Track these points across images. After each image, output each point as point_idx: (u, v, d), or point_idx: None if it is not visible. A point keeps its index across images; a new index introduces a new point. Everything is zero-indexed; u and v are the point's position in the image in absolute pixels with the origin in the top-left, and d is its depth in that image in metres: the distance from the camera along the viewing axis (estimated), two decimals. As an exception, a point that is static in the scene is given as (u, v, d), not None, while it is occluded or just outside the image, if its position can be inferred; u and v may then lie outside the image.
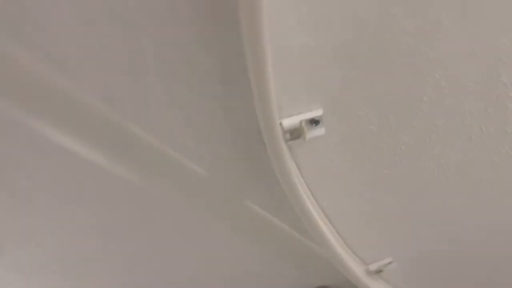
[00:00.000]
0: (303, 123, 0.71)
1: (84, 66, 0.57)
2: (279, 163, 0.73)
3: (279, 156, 0.73)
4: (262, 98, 0.62)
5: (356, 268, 1.14)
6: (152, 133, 0.70)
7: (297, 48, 0.61)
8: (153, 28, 0.55)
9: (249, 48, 0.56)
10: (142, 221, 0.84)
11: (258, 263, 1.09)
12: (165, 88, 0.63)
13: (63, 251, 0.87)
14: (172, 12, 0.54)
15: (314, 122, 0.73)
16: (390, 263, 1.17)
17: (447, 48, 0.63)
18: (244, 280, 1.16)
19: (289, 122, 0.71)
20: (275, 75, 0.61)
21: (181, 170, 0.78)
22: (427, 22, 0.60)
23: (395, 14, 0.58)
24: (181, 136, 0.73)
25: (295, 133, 0.73)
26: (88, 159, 0.69)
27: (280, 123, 0.71)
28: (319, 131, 0.75)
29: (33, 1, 0.49)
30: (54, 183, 0.72)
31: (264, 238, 0.98)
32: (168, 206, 0.83)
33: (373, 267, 1.16)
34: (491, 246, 1.10)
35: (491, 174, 0.85)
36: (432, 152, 0.78)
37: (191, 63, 0.60)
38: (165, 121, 0.68)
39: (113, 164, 0.73)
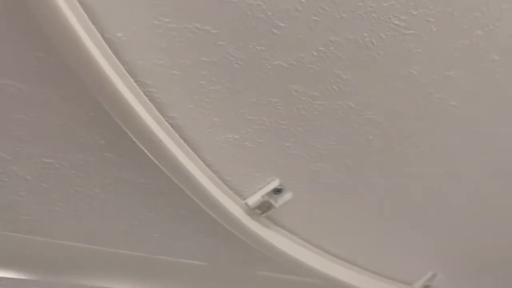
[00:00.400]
0: (266, 197, 0.72)
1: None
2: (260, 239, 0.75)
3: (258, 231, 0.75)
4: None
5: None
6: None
7: (222, 143, 0.63)
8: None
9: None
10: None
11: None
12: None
13: None
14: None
15: (277, 191, 0.74)
16: (434, 275, 1.13)
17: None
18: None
19: (253, 200, 0.73)
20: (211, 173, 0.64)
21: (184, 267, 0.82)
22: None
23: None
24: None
25: (264, 207, 0.74)
26: None
27: (246, 203, 0.73)
28: (287, 196, 0.76)
29: None
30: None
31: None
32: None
33: (418, 285, 1.12)
34: None
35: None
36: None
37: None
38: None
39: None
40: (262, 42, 0.54)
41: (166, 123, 0.58)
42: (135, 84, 0.53)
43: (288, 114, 0.63)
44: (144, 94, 0.55)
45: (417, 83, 0.64)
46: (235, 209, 0.72)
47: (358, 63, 0.60)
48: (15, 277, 0.69)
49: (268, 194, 0.73)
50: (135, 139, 0.55)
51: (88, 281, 0.76)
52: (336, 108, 0.65)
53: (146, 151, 0.57)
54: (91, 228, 0.69)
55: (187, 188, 0.64)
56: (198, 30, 0.51)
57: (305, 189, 0.77)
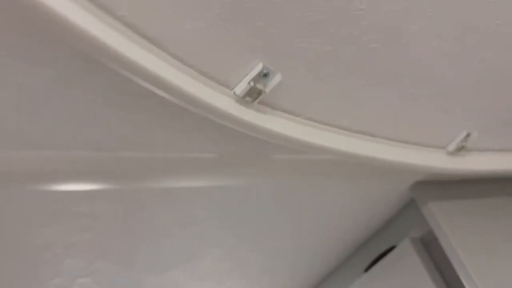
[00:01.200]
0: (253, 83, 0.70)
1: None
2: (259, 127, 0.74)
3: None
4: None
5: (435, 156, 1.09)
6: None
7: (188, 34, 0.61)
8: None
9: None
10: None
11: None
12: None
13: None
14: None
15: (264, 74, 0.72)
16: (468, 135, 1.09)
17: None
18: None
19: (240, 88, 0.71)
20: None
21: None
22: None
23: None
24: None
25: (254, 94, 0.73)
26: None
27: (234, 93, 0.72)
28: (276, 78, 0.73)
29: None
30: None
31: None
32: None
33: (452, 146, 1.09)
34: None
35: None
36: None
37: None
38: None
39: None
40: None
41: (119, 22, 0.56)
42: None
43: (249, -12, 0.58)
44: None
45: None
46: (223, 102, 0.71)
47: None
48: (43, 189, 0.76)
49: (255, 79, 0.71)
50: (86, 49, 0.55)
51: (105, 186, 0.82)
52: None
53: (101, 58, 0.56)
54: (91, 136, 0.72)
55: (163, 91, 0.64)
56: None
57: (295, 68, 0.73)
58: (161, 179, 0.88)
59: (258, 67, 0.70)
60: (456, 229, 1.13)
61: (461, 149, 1.09)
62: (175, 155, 0.81)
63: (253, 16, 0.62)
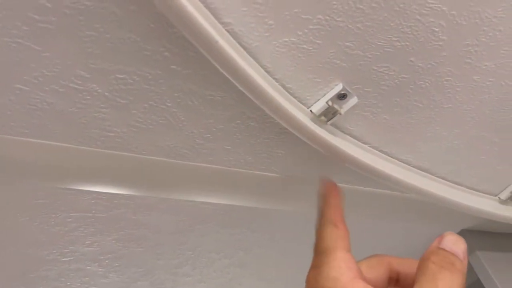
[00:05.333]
0: (330, 102, 0.73)
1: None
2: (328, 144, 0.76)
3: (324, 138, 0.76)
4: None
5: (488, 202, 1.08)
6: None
7: (280, 48, 0.64)
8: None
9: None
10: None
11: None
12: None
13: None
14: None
15: (341, 96, 0.74)
16: (521, 185, 1.08)
17: None
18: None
19: (317, 107, 0.74)
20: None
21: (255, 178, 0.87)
22: None
23: None
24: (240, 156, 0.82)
25: (330, 114, 0.75)
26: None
27: (311, 111, 0.74)
28: (352, 101, 0.75)
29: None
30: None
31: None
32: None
33: (505, 195, 1.08)
34: None
35: None
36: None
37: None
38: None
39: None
40: None
41: (223, 29, 0.60)
42: (188, -10, 0.55)
43: (344, 9, 0.62)
44: (199, 0, 0.57)
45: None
46: (301, 117, 0.73)
47: None
48: (104, 191, 0.78)
49: (332, 99, 0.74)
50: (197, 46, 0.58)
51: (167, 194, 0.83)
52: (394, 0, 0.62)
53: (208, 58, 0.60)
54: (168, 142, 0.74)
55: (252, 96, 0.67)
56: None
57: (371, 93, 0.76)
58: (228, 196, 0.89)
59: (338, 88, 0.72)
60: (504, 280, 1.10)
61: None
62: (243, 171, 0.82)
63: (342, 36, 0.65)
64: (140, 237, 0.93)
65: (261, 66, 0.67)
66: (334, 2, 0.61)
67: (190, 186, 0.85)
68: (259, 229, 1.02)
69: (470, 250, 1.15)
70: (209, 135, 0.75)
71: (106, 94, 0.65)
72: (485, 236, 1.18)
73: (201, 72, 0.66)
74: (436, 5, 0.64)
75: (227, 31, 0.61)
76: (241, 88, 0.63)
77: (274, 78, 0.69)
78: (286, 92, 0.71)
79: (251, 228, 1.01)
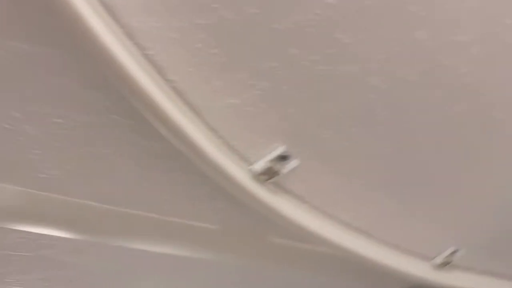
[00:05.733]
0: (271, 163, 0.73)
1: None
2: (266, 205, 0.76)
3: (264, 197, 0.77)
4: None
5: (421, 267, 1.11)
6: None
7: (224, 108, 0.65)
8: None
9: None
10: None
11: None
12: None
13: None
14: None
15: (283, 157, 0.75)
16: (455, 251, 1.11)
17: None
18: None
19: (258, 166, 0.74)
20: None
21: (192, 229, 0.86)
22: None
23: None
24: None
25: (270, 173, 0.75)
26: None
27: (251, 169, 0.74)
28: (293, 162, 0.76)
29: None
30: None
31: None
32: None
33: (438, 260, 1.11)
34: None
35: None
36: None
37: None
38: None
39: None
40: (256, 4, 0.55)
41: (167, 86, 0.60)
42: (133, 46, 0.55)
43: (289, 78, 0.64)
44: (143, 56, 0.57)
45: (423, 48, 0.62)
46: (240, 175, 0.74)
47: (358, 26, 0.59)
48: (32, 231, 0.74)
49: (274, 160, 0.74)
50: (133, 102, 0.58)
51: (102, 239, 0.80)
52: (337, 74, 0.64)
53: (146, 115, 0.59)
54: (104, 188, 0.73)
55: (190, 153, 0.67)
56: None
57: (313, 156, 0.77)
58: (162, 244, 0.87)
59: (280, 150, 0.73)
60: None
61: (446, 264, 1.11)
62: (180, 222, 0.81)
63: (286, 103, 0.66)
64: (68, 278, 0.89)
65: (205, 124, 0.67)
66: (280, 71, 0.62)
67: (124, 232, 0.82)
68: (195, 279, 1.00)
69: (404, 311, 1.16)
70: (147, 184, 0.74)
71: (41, 136, 0.64)
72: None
73: (142, 124, 0.65)
74: (375, 83, 0.66)
75: (171, 87, 0.61)
76: (176, 144, 0.63)
77: (218, 136, 0.69)
78: (227, 150, 0.71)
79: (186, 276, 0.99)
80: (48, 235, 0.79)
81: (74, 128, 0.63)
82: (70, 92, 0.59)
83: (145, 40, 0.56)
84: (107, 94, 0.60)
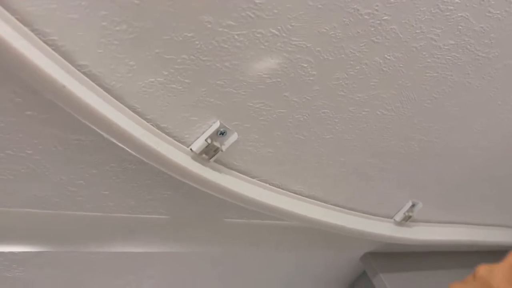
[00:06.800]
0: (210, 140, 0.71)
1: None
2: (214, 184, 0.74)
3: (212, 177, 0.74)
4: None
5: (384, 225, 1.11)
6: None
7: (147, 88, 0.62)
8: None
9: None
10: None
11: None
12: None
13: None
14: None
15: (221, 133, 0.73)
16: (413, 205, 1.13)
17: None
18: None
19: (197, 145, 0.72)
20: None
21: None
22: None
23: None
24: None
25: (211, 151, 0.73)
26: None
27: (191, 149, 0.72)
28: (233, 137, 0.74)
29: None
30: None
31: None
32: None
33: (399, 216, 1.12)
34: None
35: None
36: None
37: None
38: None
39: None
40: (155, -29, 0.52)
41: (78, 72, 0.56)
42: (32, 33, 0.52)
43: (209, 48, 0.61)
44: (46, 43, 0.53)
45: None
46: (180, 157, 0.71)
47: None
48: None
49: (212, 137, 0.72)
50: (46, 95, 0.54)
51: (45, 247, 0.76)
52: (258, 36, 0.62)
53: (64, 107, 0.56)
54: (35, 191, 0.69)
55: (120, 142, 0.63)
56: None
57: (251, 128, 0.75)
58: (111, 243, 0.83)
59: (216, 125, 0.71)
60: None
61: (408, 219, 1.12)
62: (126, 216, 0.78)
63: (212, 75, 0.64)
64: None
65: (129, 107, 0.64)
66: (197, 41, 0.60)
67: (69, 236, 0.78)
68: (155, 275, 0.97)
69: (374, 273, 1.18)
70: (81, 181, 0.71)
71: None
72: (387, 258, 1.21)
73: (63, 117, 0.61)
74: (300, 42, 0.65)
75: (84, 73, 0.57)
76: (102, 133, 0.59)
77: (146, 119, 0.66)
78: (160, 133, 0.68)
79: (146, 274, 0.96)
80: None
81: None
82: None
83: (44, 26, 0.52)
84: (17, 90, 0.56)
